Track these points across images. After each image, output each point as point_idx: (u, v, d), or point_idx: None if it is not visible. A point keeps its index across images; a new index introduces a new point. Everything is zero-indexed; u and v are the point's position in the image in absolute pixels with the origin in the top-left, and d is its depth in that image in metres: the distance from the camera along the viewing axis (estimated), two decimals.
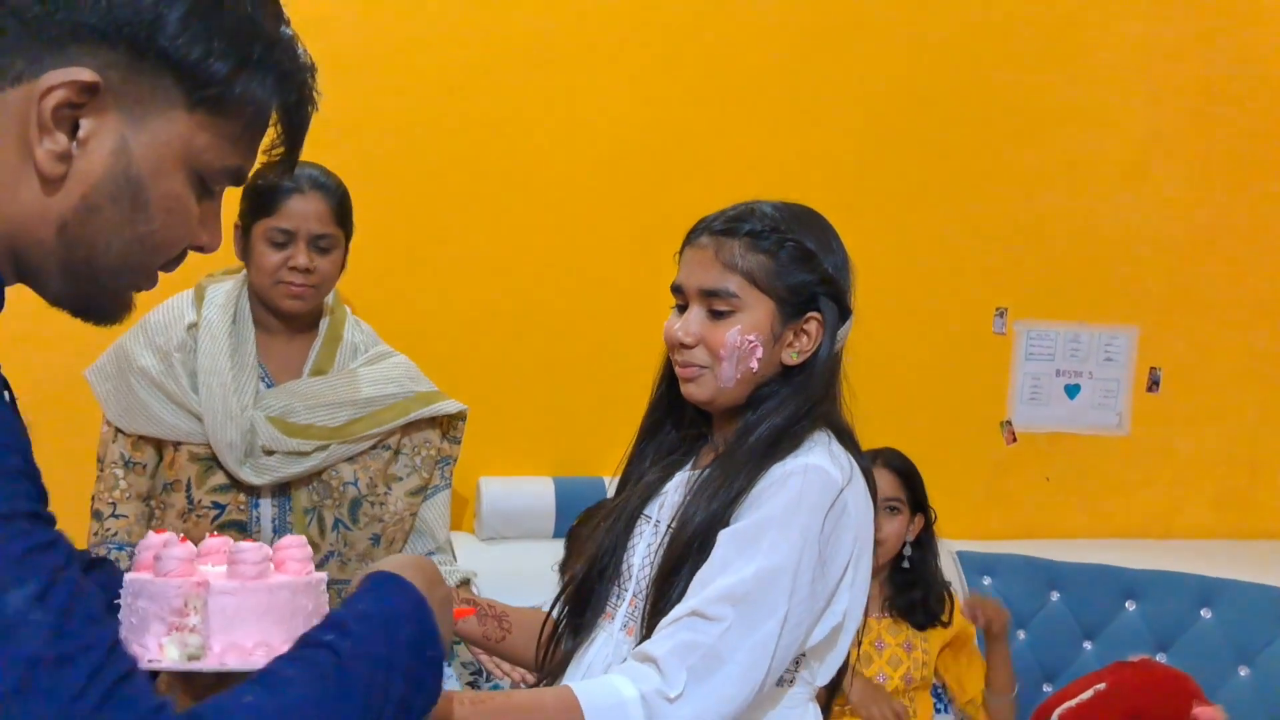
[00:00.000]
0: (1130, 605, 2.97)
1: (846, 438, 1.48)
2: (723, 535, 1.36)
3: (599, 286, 2.86)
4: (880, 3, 3.00)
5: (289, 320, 2.07)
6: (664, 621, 1.33)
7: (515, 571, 2.57)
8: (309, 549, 1.05)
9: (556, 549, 2.57)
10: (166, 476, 2.04)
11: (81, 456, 2.15)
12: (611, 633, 1.49)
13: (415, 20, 2.73)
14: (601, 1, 2.84)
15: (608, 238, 2.85)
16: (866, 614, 2.47)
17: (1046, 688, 2.90)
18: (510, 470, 2.87)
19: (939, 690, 2.68)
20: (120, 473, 2.03)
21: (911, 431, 2.79)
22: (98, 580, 0.95)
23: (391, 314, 2.72)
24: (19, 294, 0.92)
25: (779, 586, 1.31)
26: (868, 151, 3.03)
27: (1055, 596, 2.99)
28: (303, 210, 1.98)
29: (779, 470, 1.39)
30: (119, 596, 0.99)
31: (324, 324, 2.12)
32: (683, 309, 1.49)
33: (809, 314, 1.45)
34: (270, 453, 2.00)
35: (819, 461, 1.39)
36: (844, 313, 1.48)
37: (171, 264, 0.95)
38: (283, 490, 2.04)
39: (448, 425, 2.23)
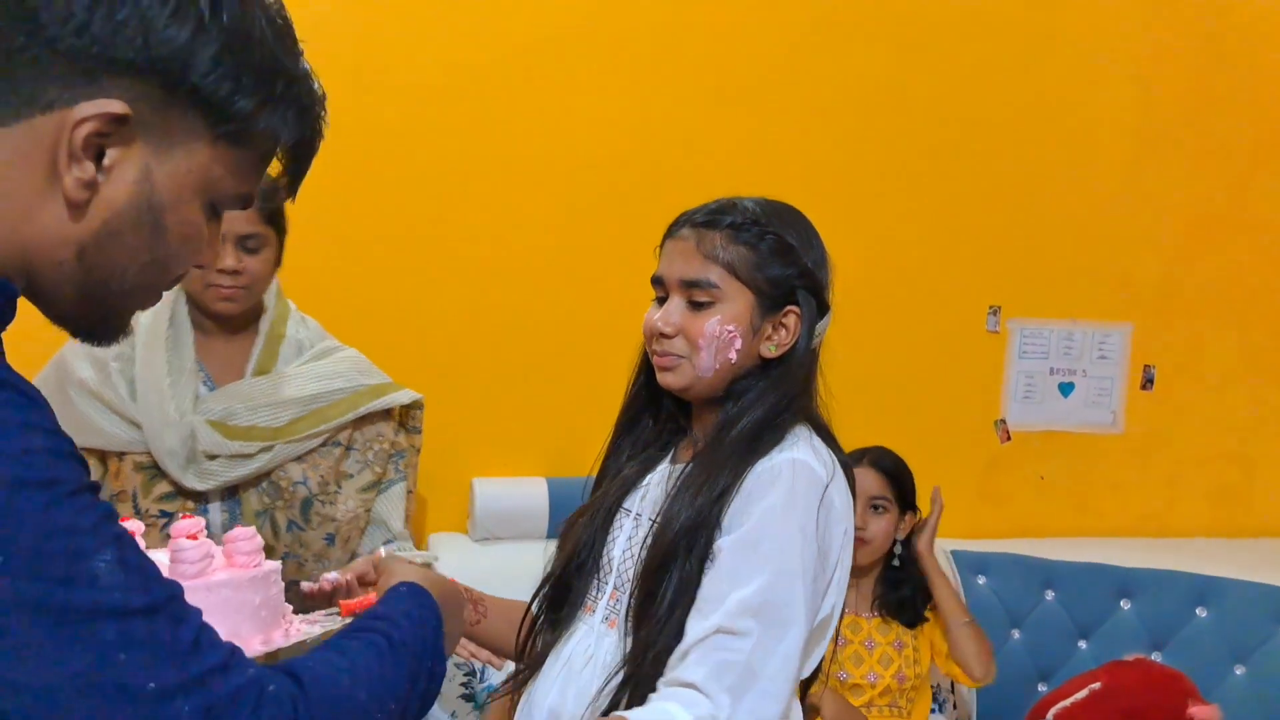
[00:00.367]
0: (1125, 604, 2.96)
1: (825, 433, 1.48)
2: (726, 545, 1.36)
3: (593, 287, 2.86)
4: (872, 1, 3.01)
5: (224, 322, 2.03)
6: (687, 641, 1.33)
7: (509, 572, 2.55)
8: (259, 540, 1.05)
9: (550, 549, 2.56)
10: (112, 487, 2.00)
11: None
12: (592, 625, 1.50)
13: (399, 20, 2.73)
14: (586, 2, 2.84)
15: (601, 239, 2.85)
16: (857, 613, 2.51)
17: (1041, 687, 2.90)
18: (503, 471, 2.87)
19: (936, 689, 2.67)
20: None
21: (905, 430, 2.80)
22: None
23: (384, 315, 2.74)
24: None
25: (794, 591, 1.33)
26: (860, 150, 3.03)
27: (1050, 595, 2.98)
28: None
29: (764, 465, 1.40)
30: None
31: (264, 323, 2.07)
32: (662, 301, 1.49)
33: (788, 307, 1.46)
34: (213, 457, 1.96)
35: (803, 456, 1.40)
36: (822, 308, 1.49)
37: (174, 282, 0.98)
38: (231, 494, 2.00)
39: (404, 416, 2.18)
